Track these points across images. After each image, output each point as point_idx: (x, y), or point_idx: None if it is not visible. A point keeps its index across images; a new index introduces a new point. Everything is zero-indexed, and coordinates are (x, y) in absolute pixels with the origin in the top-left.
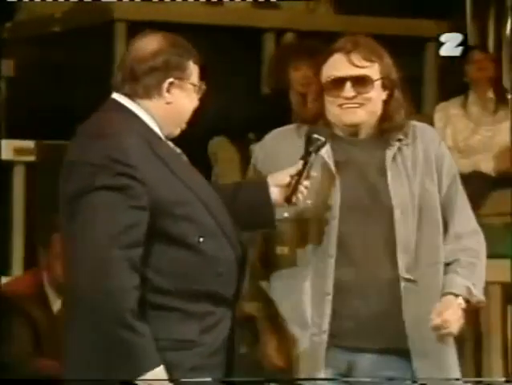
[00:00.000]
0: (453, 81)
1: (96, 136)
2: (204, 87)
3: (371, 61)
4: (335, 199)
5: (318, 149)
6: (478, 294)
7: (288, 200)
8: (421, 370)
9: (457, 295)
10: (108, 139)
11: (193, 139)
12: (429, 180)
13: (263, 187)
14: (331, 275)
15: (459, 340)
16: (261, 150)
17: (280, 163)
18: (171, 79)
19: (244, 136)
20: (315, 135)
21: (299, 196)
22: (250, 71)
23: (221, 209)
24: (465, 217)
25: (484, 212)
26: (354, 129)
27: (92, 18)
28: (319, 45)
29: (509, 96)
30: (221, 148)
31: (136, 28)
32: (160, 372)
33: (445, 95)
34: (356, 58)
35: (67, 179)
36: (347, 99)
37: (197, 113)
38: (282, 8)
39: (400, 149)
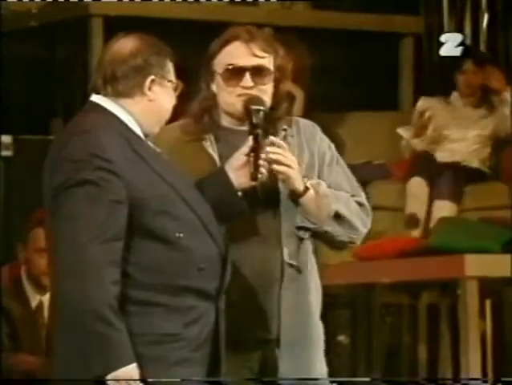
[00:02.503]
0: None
1: (76, 133)
2: (181, 85)
3: (268, 52)
4: None
5: (261, 118)
6: (325, 192)
7: (254, 178)
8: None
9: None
10: (87, 135)
11: None
12: (312, 173)
13: (224, 177)
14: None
15: (436, 336)
16: None
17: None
18: (152, 77)
19: None
20: (254, 106)
21: (262, 170)
22: None
23: (202, 205)
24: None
25: (461, 207)
26: (244, 119)
27: (69, 13)
28: None
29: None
30: None
31: (113, 23)
32: (132, 369)
33: (423, 91)
34: (256, 48)
35: (51, 175)
36: (246, 88)
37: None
38: (259, 4)
39: (285, 138)
